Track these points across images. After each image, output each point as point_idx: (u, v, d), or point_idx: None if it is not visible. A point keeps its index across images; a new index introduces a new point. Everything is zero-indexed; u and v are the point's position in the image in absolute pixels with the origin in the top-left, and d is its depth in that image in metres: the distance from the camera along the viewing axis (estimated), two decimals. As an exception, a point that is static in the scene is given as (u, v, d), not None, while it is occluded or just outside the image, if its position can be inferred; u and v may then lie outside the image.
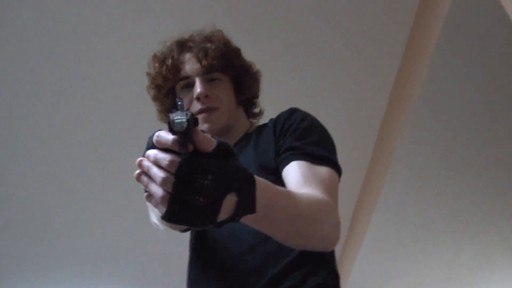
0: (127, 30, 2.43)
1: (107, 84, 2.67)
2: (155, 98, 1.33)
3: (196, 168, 0.66)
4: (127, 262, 3.80)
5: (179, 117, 0.64)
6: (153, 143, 0.70)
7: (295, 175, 1.03)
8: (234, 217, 0.73)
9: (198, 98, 1.21)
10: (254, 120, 1.38)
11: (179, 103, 0.70)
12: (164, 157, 0.68)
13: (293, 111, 1.20)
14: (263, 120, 1.34)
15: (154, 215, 1.09)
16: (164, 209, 0.68)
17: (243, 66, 1.32)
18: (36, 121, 2.81)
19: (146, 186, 0.71)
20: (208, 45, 1.25)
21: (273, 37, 2.51)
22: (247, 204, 0.74)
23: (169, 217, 0.68)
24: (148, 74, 1.33)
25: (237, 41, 1.35)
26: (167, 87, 1.29)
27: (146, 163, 0.70)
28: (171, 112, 0.65)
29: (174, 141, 0.67)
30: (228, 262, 1.07)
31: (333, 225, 0.97)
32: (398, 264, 3.73)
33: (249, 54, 1.36)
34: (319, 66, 2.67)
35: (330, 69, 2.68)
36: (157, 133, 0.69)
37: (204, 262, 1.13)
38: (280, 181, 1.05)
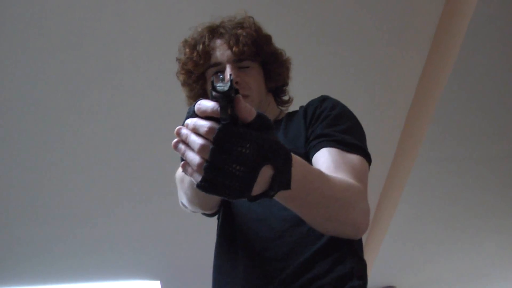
0: (157, 15, 2.43)
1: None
2: (184, 84, 1.32)
3: (235, 135, 0.65)
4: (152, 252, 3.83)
5: (221, 83, 0.64)
6: (193, 113, 0.69)
7: (326, 161, 1.02)
8: (269, 191, 0.72)
9: None
10: (283, 108, 1.37)
11: (221, 76, 0.70)
12: (204, 124, 0.67)
13: (324, 99, 1.20)
14: (293, 107, 1.34)
15: (184, 196, 1.09)
16: (199, 178, 0.67)
17: (273, 53, 1.31)
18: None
19: (183, 155, 0.70)
20: (239, 31, 1.24)
21: (303, 25, 2.49)
22: (282, 179, 0.73)
23: (204, 186, 0.67)
24: (178, 59, 1.32)
25: (267, 27, 1.34)
26: (197, 73, 1.28)
27: (185, 131, 0.70)
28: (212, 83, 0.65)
29: (215, 105, 0.66)
30: (255, 248, 1.07)
31: (364, 211, 0.97)
32: (421, 256, 3.72)
33: (279, 41, 1.35)
34: (348, 57, 2.64)
35: (358, 60, 2.66)
36: (199, 101, 0.69)
37: (231, 247, 1.13)
38: None
